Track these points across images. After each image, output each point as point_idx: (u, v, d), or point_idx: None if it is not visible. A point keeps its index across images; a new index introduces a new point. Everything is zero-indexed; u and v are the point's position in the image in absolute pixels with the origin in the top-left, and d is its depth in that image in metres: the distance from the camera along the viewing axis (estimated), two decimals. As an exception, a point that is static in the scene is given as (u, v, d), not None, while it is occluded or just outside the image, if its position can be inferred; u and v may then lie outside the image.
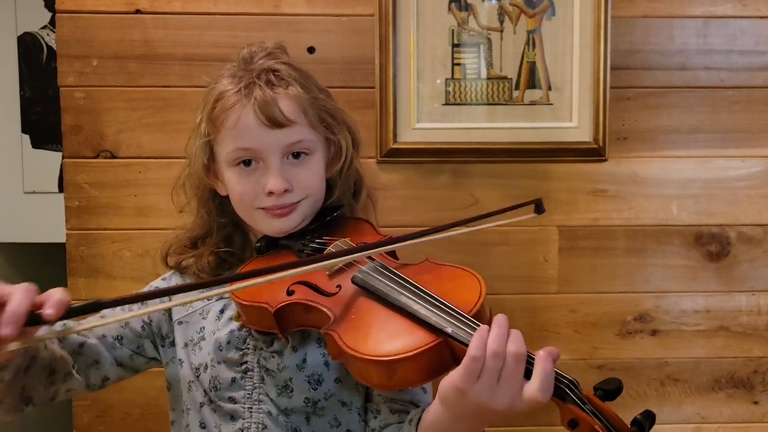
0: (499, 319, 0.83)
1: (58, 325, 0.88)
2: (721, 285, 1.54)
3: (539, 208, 1.14)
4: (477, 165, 1.50)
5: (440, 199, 1.50)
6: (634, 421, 0.79)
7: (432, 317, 0.86)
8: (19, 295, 0.75)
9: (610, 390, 0.81)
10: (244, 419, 1.05)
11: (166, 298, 1.06)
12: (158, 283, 1.19)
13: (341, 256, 0.95)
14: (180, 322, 1.13)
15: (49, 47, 2.33)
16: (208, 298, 1.09)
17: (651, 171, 1.52)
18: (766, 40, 1.51)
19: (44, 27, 2.33)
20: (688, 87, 1.52)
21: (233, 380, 1.06)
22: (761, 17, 1.51)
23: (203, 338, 1.10)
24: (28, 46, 2.33)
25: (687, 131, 1.52)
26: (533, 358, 0.80)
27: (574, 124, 1.49)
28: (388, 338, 0.88)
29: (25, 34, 2.34)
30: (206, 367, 1.07)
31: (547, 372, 0.78)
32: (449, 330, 0.84)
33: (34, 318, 0.76)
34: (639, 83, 1.51)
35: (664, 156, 1.52)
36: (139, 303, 1.01)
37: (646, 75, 1.51)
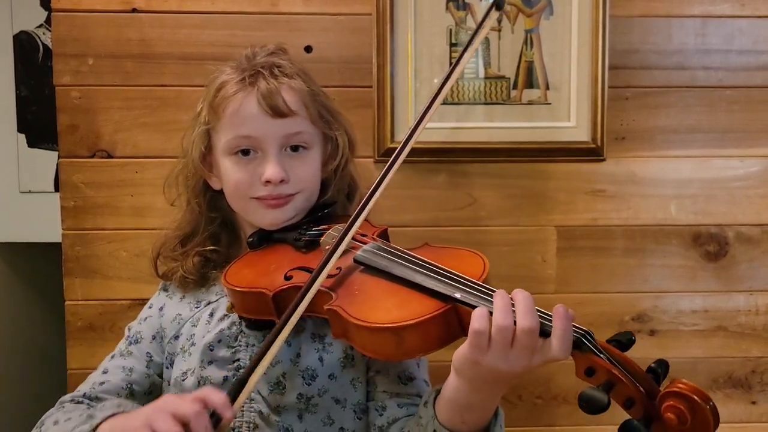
0: (500, 292, 0.82)
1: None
2: (720, 285, 1.54)
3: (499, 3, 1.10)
4: (475, 164, 1.50)
5: (438, 198, 1.50)
6: (649, 369, 0.80)
7: (439, 285, 0.87)
8: (200, 421, 0.81)
9: (623, 341, 0.82)
10: (235, 418, 1.04)
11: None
12: (146, 312, 1.19)
13: (350, 227, 0.95)
14: (176, 337, 1.13)
15: (45, 46, 2.32)
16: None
17: (649, 171, 1.52)
18: (765, 39, 1.51)
19: (40, 26, 2.33)
20: (686, 87, 1.51)
21: (225, 379, 1.05)
22: (759, 17, 1.51)
23: (193, 344, 1.09)
24: (24, 44, 2.32)
25: (685, 131, 1.52)
26: (549, 316, 0.80)
27: (572, 123, 1.49)
28: (395, 307, 0.88)
29: (21, 32, 2.33)
30: (193, 371, 1.07)
31: (566, 331, 0.78)
32: (458, 295, 0.84)
33: (216, 425, 0.82)
34: (637, 83, 1.51)
35: (663, 156, 1.52)
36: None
37: (644, 75, 1.51)
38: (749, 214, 1.54)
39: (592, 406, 0.73)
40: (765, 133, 1.53)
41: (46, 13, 2.29)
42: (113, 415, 0.93)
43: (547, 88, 1.49)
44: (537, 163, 1.50)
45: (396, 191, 1.49)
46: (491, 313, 0.80)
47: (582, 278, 1.52)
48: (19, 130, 2.35)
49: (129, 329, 1.18)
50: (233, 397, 0.85)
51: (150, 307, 1.19)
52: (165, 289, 1.20)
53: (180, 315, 1.14)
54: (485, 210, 1.51)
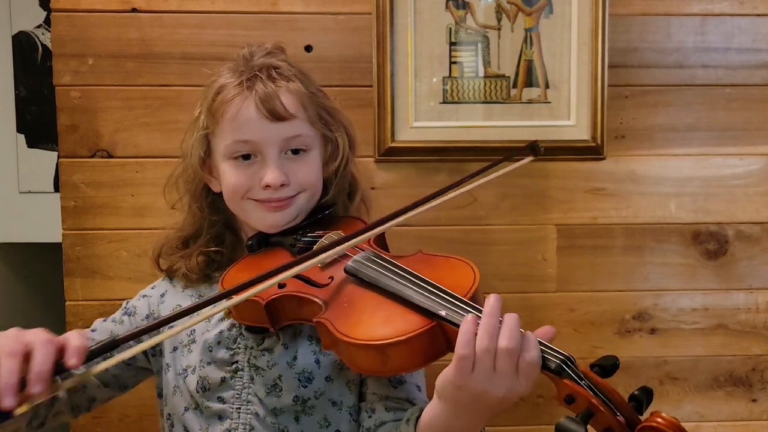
0: (491, 305, 0.80)
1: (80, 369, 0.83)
2: (720, 283, 1.55)
3: (535, 149, 1.11)
4: (475, 163, 1.50)
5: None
6: (632, 397, 0.78)
7: (425, 301, 0.86)
8: (42, 351, 0.77)
9: (607, 366, 0.80)
10: (231, 419, 1.04)
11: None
12: (147, 291, 1.19)
13: (332, 248, 0.94)
14: (171, 327, 1.12)
15: (44, 46, 2.31)
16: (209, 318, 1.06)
17: (649, 169, 1.52)
18: (764, 37, 1.52)
19: (39, 26, 2.32)
20: (685, 85, 1.52)
21: (223, 380, 1.05)
22: (758, 15, 1.51)
23: (194, 341, 1.09)
24: (23, 45, 2.32)
25: (684, 129, 1.52)
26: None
27: (571, 122, 1.49)
28: (380, 323, 0.87)
29: (20, 33, 2.32)
30: (194, 369, 1.07)
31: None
32: (443, 313, 0.83)
33: (58, 370, 0.78)
34: (637, 81, 1.51)
35: (662, 154, 1.52)
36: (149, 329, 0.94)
37: (643, 73, 1.51)
38: (749, 212, 1.54)
39: None
40: (764, 131, 1.53)
41: (45, 13, 2.29)
42: None
43: (547, 86, 1.49)
44: (536, 162, 1.50)
45: (397, 190, 1.49)
46: (477, 334, 0.79)
47: (582, 277, 1.52)
48: (19, 131, 2.35)
49: (126, 303, 1.18)
50: (99, 352, 0.81)
51: (153, 288, 1.19)
52: (169, 278, 1.19)
53: (180, 306, 1.13)
54: (485, 209, 1.51)
